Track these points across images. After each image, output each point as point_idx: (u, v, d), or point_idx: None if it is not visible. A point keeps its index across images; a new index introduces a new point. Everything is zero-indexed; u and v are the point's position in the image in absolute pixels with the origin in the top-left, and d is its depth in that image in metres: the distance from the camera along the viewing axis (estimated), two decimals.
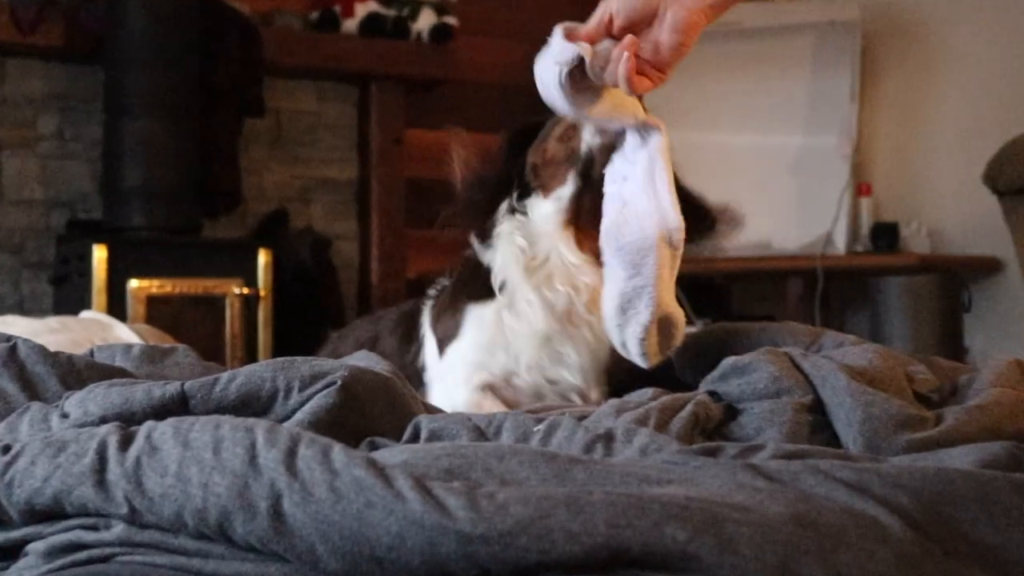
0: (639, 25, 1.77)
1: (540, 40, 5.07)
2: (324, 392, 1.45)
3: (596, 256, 2.13)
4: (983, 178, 3.83)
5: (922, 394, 1.71)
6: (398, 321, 2.56)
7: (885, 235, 4.90)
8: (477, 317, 2.33)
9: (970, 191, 4.24)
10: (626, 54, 1.74)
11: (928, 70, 5.15)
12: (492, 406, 2.20)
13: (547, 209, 2.31)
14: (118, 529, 1.16)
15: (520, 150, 2.44)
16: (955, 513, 1.15)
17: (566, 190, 2.29)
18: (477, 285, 2.34)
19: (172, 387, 1.46)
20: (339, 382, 1.47)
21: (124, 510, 1.15)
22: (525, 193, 2.35)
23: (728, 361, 1.76)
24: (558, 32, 1.82)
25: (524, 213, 2.33)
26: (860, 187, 5.03)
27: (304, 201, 5.05)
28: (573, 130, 2.29)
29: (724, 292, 5.44)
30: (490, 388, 2.28)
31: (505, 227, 2.33)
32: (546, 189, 2.32)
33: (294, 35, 4.91)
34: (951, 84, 5.08)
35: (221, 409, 1.43)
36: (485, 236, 2.36)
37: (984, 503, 1.16)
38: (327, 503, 1.07)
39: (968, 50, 4.99)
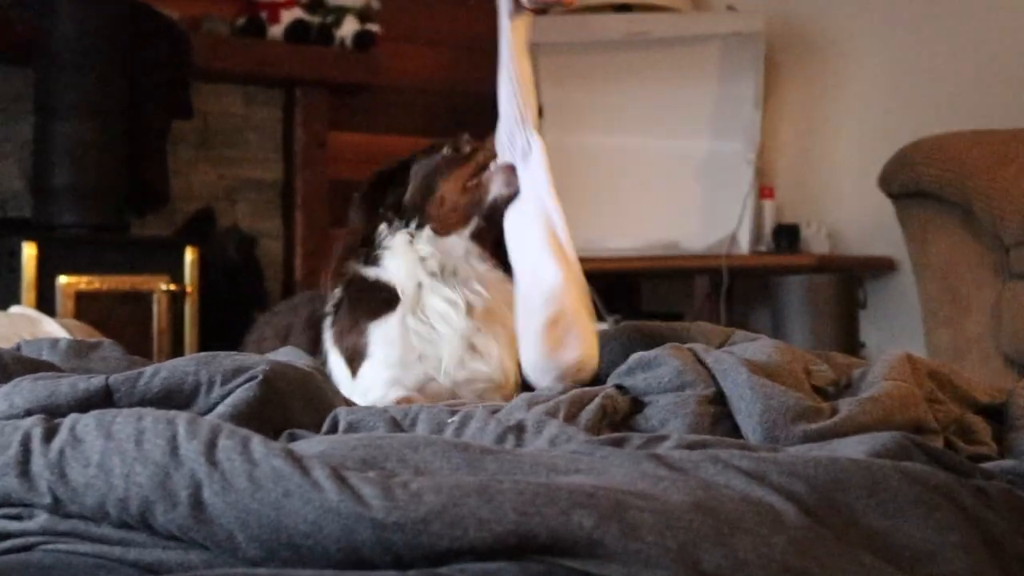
0: None
1: (460, 47, 5.07)
2: (245, 386, 1.45)
3: (503, 264, 2.23)
4: (878, 182, 3.87)
5: (819, 387, 1.73)
6: (307, 323, 2.51)
7: (786, 236, 4.93)
8: (382, 334, 2.28)
9: (866, 194, 4.28)
10: None
11: (828, 79, 5.20)
12: None
13: (450, 242, 2.30)
14: (41, 519, 1.15)
15: (382, 191, 2.48)
16: (847, 500, 1.16)
17: (468, 230, 2.29)
18: (372, 302, 2.31)
19: (97, 380, 1.44)
20: (260, 376, 1.46)
21: (47, 500, 1.14)
22: (412, 224, 2.35)
23: (635, 356, 1.77)
24: None
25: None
26: (763, 190, 5.06)
27: (230, 200, 5.01)
28: (477, 182, 2.28)
29: (634, 290, 5.46)
30: (407, 401, 2.21)
31: (397, 241, 2.33)
32: (445, 229, 2.31)
33: (221, 40, 4.87)
34: (849, 93, 5.13)
35: (145, 402, 1.42)
36: (368, 258, 2.35)
37: (874, 490, 1.17)
38: (246, 492, 1.06)
39: (865, 61, 5.05)
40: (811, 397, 1.61)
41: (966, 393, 1.68)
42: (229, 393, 1.45)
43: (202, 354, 1.53)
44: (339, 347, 2.35)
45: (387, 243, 2.33)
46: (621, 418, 1.64)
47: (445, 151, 2.39)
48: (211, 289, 4.43)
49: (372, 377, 2.26)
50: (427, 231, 2.31)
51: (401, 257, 2.29)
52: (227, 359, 1.51)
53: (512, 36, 2.17)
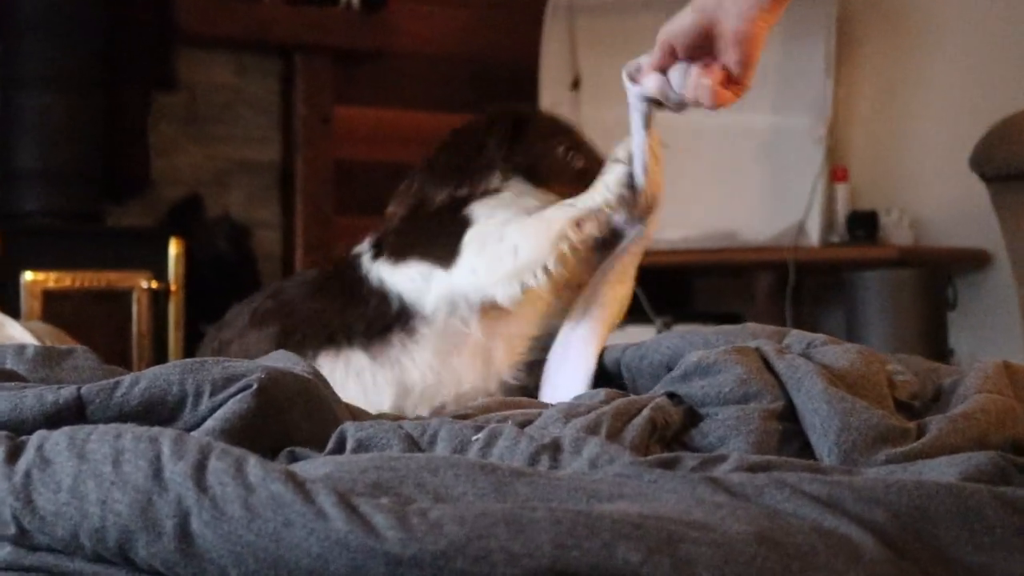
0: (700, 50, 1.83)
1: (482, 6, 5.12)
2: (238, 397, 1.45)
3: None
4: (970, 163, 3.86)
5: (903, 401, 1.72)
6: None
7: (863, 225, 4.92)
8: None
9: (956, 177, 4.27)
10: (714, 68, 1.83)
11: (911, 43, 5.19)
12: None
13: None
14: (5, 551, 1.15)
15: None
16: (935, 531, 1.15)
17: None
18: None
19: (67, 392, 1.45)
20: (255, 385, 1.47)
21: (12, 530, 1.15)
22: None
23: (691, 359, 1.77)
24: (624, 77, 1.95)
25: None
26: (835, 172, 5.05)
27: (221, 185, 5.04)
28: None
29: (686, 287, 5.47)
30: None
31: None
32: None
33: (209, 2, 4.89)
34: (936, 59, 5.11)
35: (123, 416, 1.43)
36: None
37: (966, 520, 1.17)
38: (241, 522, 1.06)
39: (955, 21, 5.03)
40: (895, 415, 1.60)
41: None
42: (219, 405, 1.45)
43: (188, 360, 1.53)
44: None
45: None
46: (673, 434, 1.64)
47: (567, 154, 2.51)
48: (199, 287, 4.45)
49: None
50: None
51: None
52: (216, 366, 1.51)
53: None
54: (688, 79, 1.85)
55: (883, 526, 1.14)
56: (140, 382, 1.47)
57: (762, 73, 5.09)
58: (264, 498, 1.08)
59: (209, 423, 1.43)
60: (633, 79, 1.95)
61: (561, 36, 5.19)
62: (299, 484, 1.09)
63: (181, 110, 4.96)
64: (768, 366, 1.70)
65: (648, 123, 2.07)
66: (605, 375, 2.10)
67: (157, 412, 1.44)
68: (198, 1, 4.84)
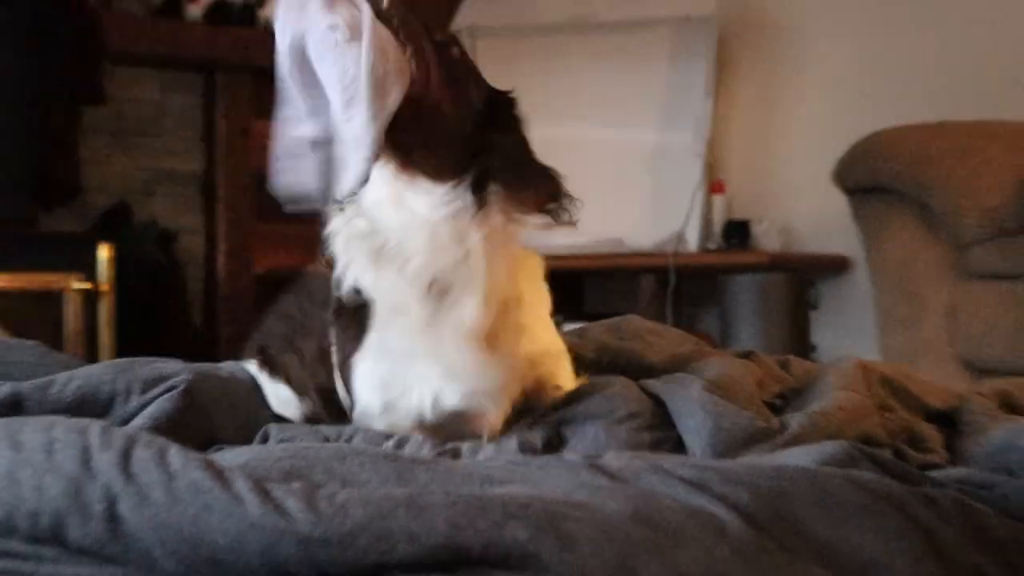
0: None
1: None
2: (166, 396, 1.45)
3: None
4: (833, 176, 3.90)
5: (768, 401, 1.74)
6: None
7: (737, 233, 4.95)
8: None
9: (821, 189, 4.30)
10: None
11: (783, 67, 5.22)
12: None
13: None
14: None
15: None
16: (792, 509, 1.17)
17: None
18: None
19: (4, 388, 1.44)
20: (182, 386, 1.46)
21: None
22: None
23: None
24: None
25: None
26: (713, 184, 5.07)
27: (148, 193, 4.99)
28: None
29: (577, 289, 5.47)
30: None
31: None
32: None
33: (135, 21, 4.85)
34: (805, 82, 5.15)
35: (57, 412, 1.41)
36: None
37: (820, 499, 1.19)
38: (164, 506, 1.07)
39: (823, 48, 5.07)
40: (762, 415, 1.62)
41: (919, 400, 1.71)
42: (148, 403, 1.44)
43: (119, 360, 1.53)
44: None
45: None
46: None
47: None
48: (128, 288, 4.41)
49: None
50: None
51: None
52: (146, 366, 1.50)
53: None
54: None
55: (746, 505, 1.15)
56: (74, 380, 1.46)
57: (647, 93, 5.12)
58: (185, 484, 1.08)
59: (138, 420, 1.42)
60: None
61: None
62: (217, 471, 1.10)
63: (109, 122, 4.91)
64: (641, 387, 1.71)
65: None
66: None
67: (89, 408, 1.43)
68: (124, 21, 4.80)
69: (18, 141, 4.31)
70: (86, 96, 4.65)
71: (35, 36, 4.38)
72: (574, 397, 1.69)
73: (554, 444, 1.61)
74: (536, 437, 1.61)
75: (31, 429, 1.18)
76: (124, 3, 4.88)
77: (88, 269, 4.28)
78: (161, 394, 1.45)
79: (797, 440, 1.50)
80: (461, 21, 5.22)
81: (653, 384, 1.68)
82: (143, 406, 1.44)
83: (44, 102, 4.43)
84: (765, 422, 1.56)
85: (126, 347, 4.29)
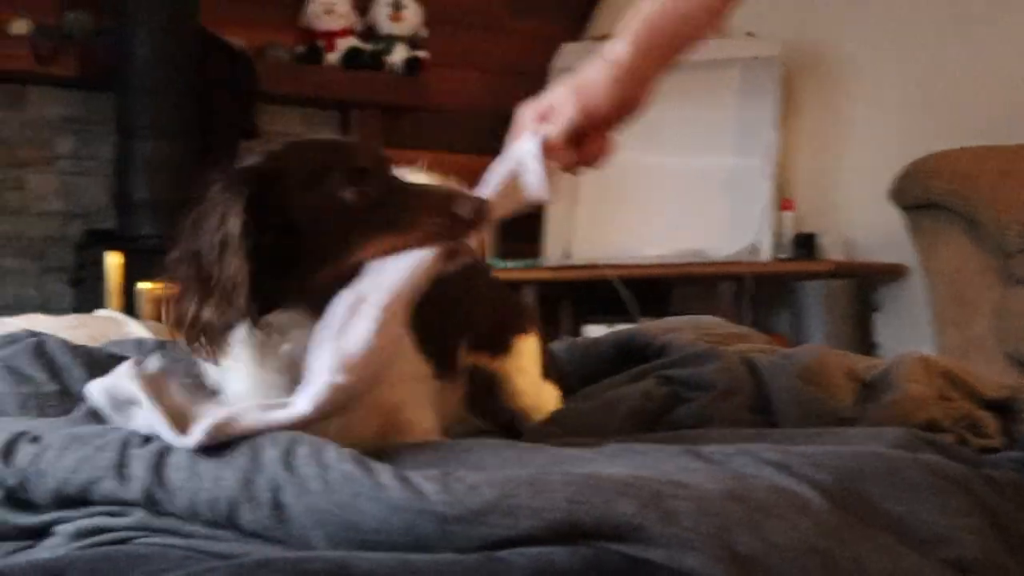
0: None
1: (500, 71, 4.99)
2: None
3: None
4: (890, 194, 3.86)
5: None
6: None
7: (805, 244, 4.91)
8: None
9: (879, 206, 4.26)
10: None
11: (841, 99, 5.18)
12: None
13: None
14: (138, 516, 1.16)
15: None
16: (867, 488, 1.16)
17: None
18: None
19: None
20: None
21: (143, 500, 1.16)
22: None
23: (688, 349, 1.76)
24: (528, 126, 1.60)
25: None
26: (783, 202, 5.04)
27: None
28: None
29: (664, 294, 5.45)
30: None
31: None
32: None
33: (283, 66, 4.90)
34: (862, 112, 5.10)
35: None
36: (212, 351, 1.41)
37: (892, 479, 1.18)
38: (320, 495, 1.08)
39: (876, 82, 5.02)
40: (844, 404, 1.60)
41: (975, 390, 1.68)
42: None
43: None
44: None
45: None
46: (658, 412, 1.63)
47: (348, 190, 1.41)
48: None
49: None
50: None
51: None
52: None
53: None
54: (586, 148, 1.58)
55: (827, 484, 1.14)
56: None
57: (723, 124, 5.11)
58: (337, 476, 1.09)
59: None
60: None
61: None
62: (365, 464, 1.10)
63: None
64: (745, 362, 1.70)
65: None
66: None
67: None
68: (274, 66, 4.86)
69: (188, 171, 4.37)
70: (242, 131, 4.71)
71: (200, 81, 4.44)
72: (690, 360, 1.68)
73: (668, 404, 1.60)
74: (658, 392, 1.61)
75: None
76: (273, 51, 4.93)
77: None
78: None
79: (872, 425, 1.48)
80: (560, 63, 5.23)
81: (756, 363, 1.66)
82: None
83: (206, 137, 4.49)
84: (847, 408, 1.55)
85: None
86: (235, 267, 1.29)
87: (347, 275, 1.33)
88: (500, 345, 1.68)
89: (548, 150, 1.54)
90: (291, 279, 1.33)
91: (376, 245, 1.34)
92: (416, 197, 1.37)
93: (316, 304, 1.32)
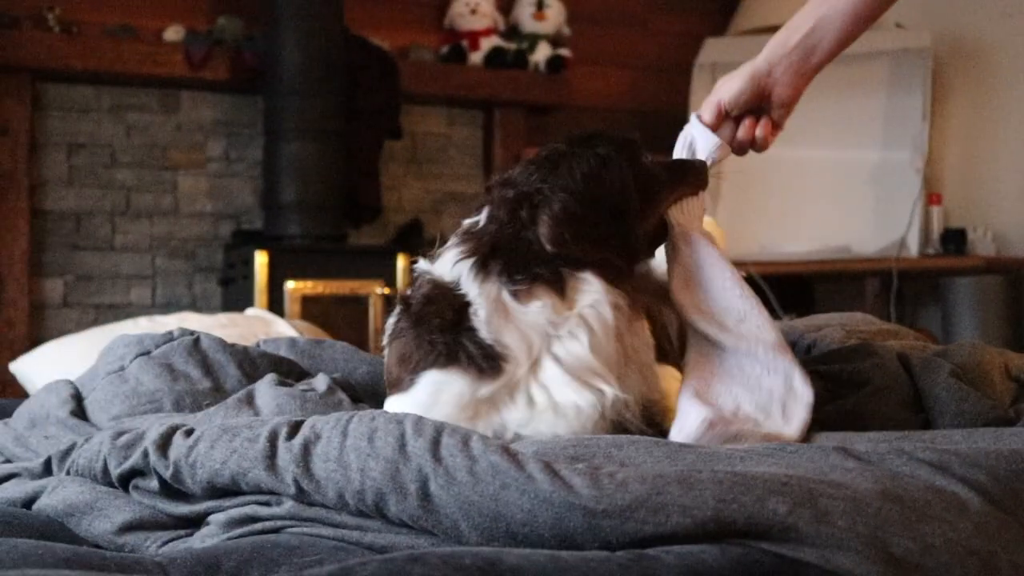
0: (752, 112, 1.78)
1: (643, 68, 4.94)
2: None
3: None
4: None
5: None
6: None
7: (954, 240, 4.83)
8: (436, 388, 1.42)
9: None
10: (765, 122, 1.78)
11: (992, 92, 5.07)
12: None
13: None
14: (288, 506, 1.18)
15: None
16: None
17: None
18: (447, 349, 1.42)
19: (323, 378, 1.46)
20: None
21: (292, 490, 1.17)
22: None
23: (838, 345, 1.73)
24: (698, 123, 1.80)
25: None
26: (931, 197, 4.97)
27: (436, 212, 5.09)
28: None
29: (808, 291, 5.39)
30: None
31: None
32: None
33: (427, 67, 4.94)
34: (1013, 105, 4.99)
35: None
36: (527, 293, 1.41)
37: None
38: (468, 485, 1.07)
39: None
40: (1000, 403, 1.56)
41: None
42: None
43: None
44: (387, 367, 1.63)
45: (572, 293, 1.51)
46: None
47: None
48: None
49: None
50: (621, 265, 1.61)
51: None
52: None
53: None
54: (743, 130, 1.78)
55: (986, 486, 1.11)
56: None
57: (871, 117, 5.02)
58: (485, 466, 1.09)
59: None
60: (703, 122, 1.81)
61: (706, 89, 5.14)
62: (512, 455, 1.10)
63: (405, 153, 5.02)
64: (900, 358, 1.66)
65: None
66: None
67: None
68: (418, 67, 4.90)
69: (335, 173, 4.44)
70: (387, 132, 4.77)
71: (346, 83, 4.51)
72: (843, 355, 1.65)
73: (820, 401, 1.56)
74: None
75: (356, 420, 1.20)
76: (417, 52, 4.98)
77: (388, 276, 4.38)
78: None
79: None
80: (704, 58, 5.19)
81: (911, 359, 1.62)
82: None
83: (354, 139, 4.55)
84: (1003, 409, 1.50)
85: None
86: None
87: (658, 231, 1.56)
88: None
89: (713, 125, 1.77)
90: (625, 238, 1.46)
91: (668, 200, 1.57)
92: (678, 164, 1.66)
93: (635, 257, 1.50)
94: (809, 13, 1.70)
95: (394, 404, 1.45)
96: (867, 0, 1.66)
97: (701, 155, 1.76)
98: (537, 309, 1.38)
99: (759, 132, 1.77)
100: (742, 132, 1.77)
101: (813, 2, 1.70)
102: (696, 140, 1.77)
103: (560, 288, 1.39)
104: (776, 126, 1.79)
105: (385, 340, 1.53)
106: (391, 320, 1.51)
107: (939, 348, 1.71)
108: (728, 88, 1.76)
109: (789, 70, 1.72)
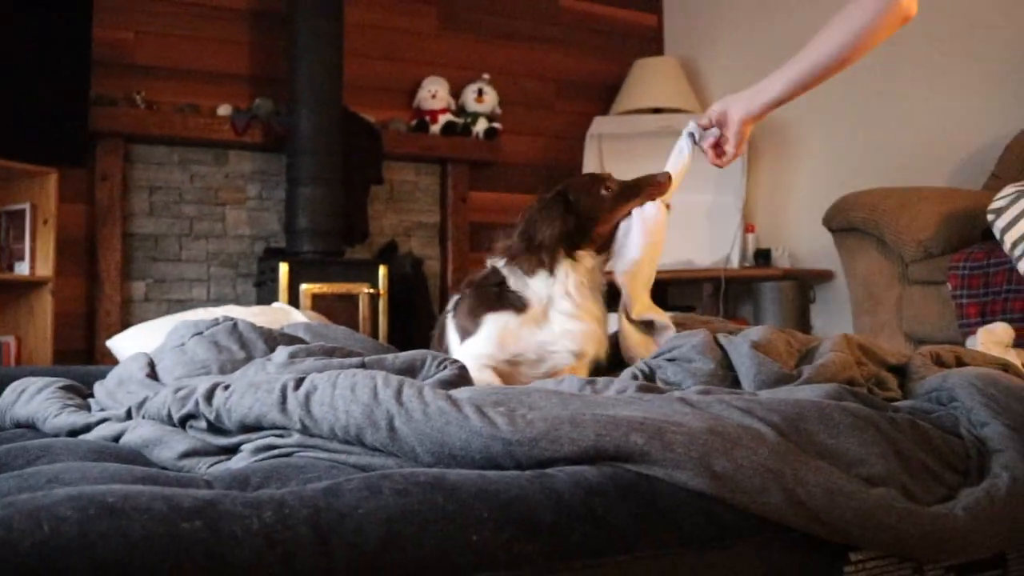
0: (721, 125, 1.87)
1: (551, 136, 4.92)
2: (448, 369, 1.43)
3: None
4: (823, 221, 3.80)
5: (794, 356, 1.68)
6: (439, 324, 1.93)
7: (763, 256, 4.87)
8: (495, 323, 1.72)
9: (815, 229, 4.21)
10: (711, 138, 1.88)
11: (789, 154, 5.13)
12: (491, 379, 1.69)
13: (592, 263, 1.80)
14: (296, 438, 1.16)
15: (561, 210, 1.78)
16: (807, 426, 1.14)
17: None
18: (497, 300, 1.75)
19: (355, 360, 1.45)
20: (457, 364, 1.45)
21: (299, 426, 1.16)
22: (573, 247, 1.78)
23: (674, 337, 1.73)
24: (687, 136, 1.90)
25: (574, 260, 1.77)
26: (748, 226, 5.01)
27: (406, 236, 5.06)
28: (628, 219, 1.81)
29: (664, 293, 5.43)
30: (492, 368, 1.72)
31: (561, 267, 1.76)
32: (599, 251, 1.81)
33: (401, 135, 4.92)
34: (803, 162, 5.05)
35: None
36: (531, 269, 1.75)
37: (824, 420, 1.16)
38: (422, 422, 1.07)
39: (812, 142, 4.97)
40: (787, 366, 1.57)
41: (882, 358, 1.65)
42: (439, 371, 1.43)
43: (420, 351, 1.50)
44: (456, 326, 1.81)
45: (559, 265, 1.76)
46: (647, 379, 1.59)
47: (604, 190, 1.80)
48: (394, 293, 4.48)
49: (474, 349, 1.75)
50: (585, 253, 1.79)
51: (562, 282, 1.76)
52: (440, 355, 1.48)
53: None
54: (707, 140, 1.88)
55: (778, 423, 1.13)
56: (399, 357, 1.46)
57: (707, 173, 5.03)
58: (435, 409, 1.08)
59: (429, 380, 1.41)
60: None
61: (595, 152, 5.17)
62: (454, 401, 1.10)
63: (385, 194, 4.99)
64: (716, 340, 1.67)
65: (689, 141, 1.86)
66: None
67: (407, 372, 1.43)
68: (395, 135, 4.88)
69: (336, 208, 4.41)
70: (373, 180, 4.74)
71: (345, 145, 4.47)
72: (674, 345, 1.65)
73: (652, 377, 1.58)
74: (642, 368, 1.61)
75: (342, 376, 1.19)
76: (395, 124, 4.96)
77: (373, 281, 4.35)
78: (446, 367, 1.43)
79: (808, 382, 1.46)
80: (593, 130, 5.21)
81: (721, 338, 1.64)
82: (435, 373, 1.42)
83: (349, 184, 4.52)
84: (789, 370, 1.52)
85: (394, 330, 4.36)
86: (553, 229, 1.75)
87: (611, 231, 1.79)
88: None
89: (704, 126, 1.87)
90: (585, 237, 1.78)
91: (622, 209, 1.79)
92: (634, 183, 1.80)
93: (600, 248, 1.80)
94: (774, 74, 1.81)
95: (468, 347, 1.74)
96: (801, 81, 1.81)
97: (671, 166, 1.87)
98: (538, 279, 1.75)
99: (708, 145, 1.87)
100: (708, 143, 1.89)
101: (780, 69, 1.81)
102: (683, 150, 1.88)
103: (551, 270, 1.75)
104: (726, 142, 1.86)
105: (450, 307, 1.86)
106: (454, 299, 1.86)
107: (743, 330, 1.72)
108: (714, 105, 1.87)
109: (739, 100, 1.84)
